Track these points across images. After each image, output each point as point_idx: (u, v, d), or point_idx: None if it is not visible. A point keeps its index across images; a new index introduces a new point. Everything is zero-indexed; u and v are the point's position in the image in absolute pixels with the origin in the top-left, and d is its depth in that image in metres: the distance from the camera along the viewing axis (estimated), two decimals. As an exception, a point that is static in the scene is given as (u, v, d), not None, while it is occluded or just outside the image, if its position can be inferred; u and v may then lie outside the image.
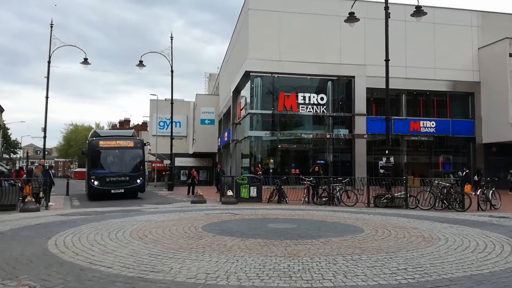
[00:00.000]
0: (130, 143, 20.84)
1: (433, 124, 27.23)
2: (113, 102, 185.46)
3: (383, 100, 19.35)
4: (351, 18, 16.24)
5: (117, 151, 20.42)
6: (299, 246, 6.55)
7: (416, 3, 15.83)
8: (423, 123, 27.14)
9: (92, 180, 19.36)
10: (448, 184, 13.94)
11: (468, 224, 9.62)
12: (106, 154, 20.33)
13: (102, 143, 20.39)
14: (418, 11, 15.72)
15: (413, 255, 6.00)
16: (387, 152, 15.61)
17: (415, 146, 28.43)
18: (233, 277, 4.71)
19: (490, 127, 26.63)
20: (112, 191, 19.31)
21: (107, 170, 19.91)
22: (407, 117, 27.09)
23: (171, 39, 28.39)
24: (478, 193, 14.13)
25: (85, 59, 23.00)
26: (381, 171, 18.82)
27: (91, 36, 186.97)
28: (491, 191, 13.93)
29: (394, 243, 6.97)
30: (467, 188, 14.53)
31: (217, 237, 7.50)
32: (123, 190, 19.52)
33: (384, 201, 14.29)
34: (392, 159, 15.89)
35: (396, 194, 14.42)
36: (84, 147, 25.27)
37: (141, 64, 26.25)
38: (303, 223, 9.58)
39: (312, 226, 9.08)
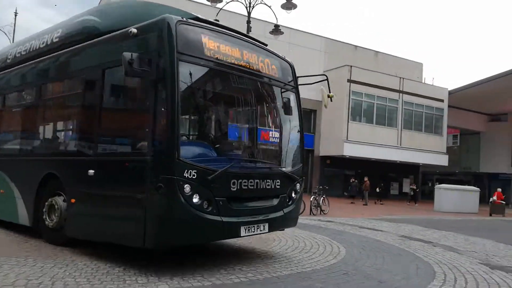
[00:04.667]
0: (274, 67, 6.70)
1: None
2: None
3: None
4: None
5: (254, 85, 6.51)
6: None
7: (275, 22, 17.00)
8: (272, 133, 29.17)
9: (185, 185, 4.74)
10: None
11: (300, 227, 10.61)
12: (229, 89, 6.54)
13: (214, 41, 5.75)
14: (276, 29, 16.97)
15: (248, 256, 6.37)
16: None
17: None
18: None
19: (327, 142, 30.09)
20: (244, 230, 5.39)
21: (232, 148, 6.85)
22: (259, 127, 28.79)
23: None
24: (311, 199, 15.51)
25: None
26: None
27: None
28: (322, 198, 15.72)
29: (234, 244, 7.27)
30: None
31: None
32: (267, 227, 5.75)
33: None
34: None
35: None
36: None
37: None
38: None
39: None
